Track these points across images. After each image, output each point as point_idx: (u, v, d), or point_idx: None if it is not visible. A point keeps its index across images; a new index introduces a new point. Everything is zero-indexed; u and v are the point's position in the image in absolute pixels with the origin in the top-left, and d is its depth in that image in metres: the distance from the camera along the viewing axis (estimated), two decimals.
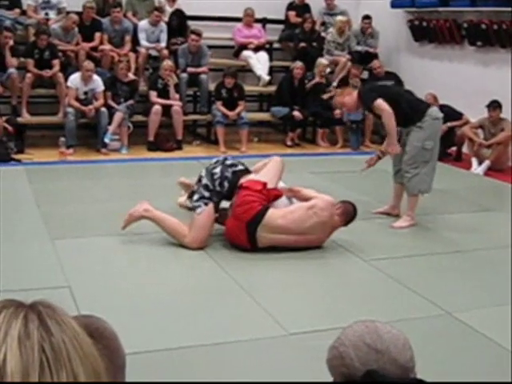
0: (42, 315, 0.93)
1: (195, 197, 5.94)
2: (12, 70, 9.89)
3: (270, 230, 5.75)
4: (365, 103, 6.74)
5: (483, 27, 10.44)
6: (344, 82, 11.17)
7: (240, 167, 6.11)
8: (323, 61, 11.46)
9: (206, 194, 5.91)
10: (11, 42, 9.97)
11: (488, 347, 4.24)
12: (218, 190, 5.92)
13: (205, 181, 5.96)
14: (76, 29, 10.66)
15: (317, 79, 11.22)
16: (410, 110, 6.65)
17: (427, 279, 5.48)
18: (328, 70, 11.52)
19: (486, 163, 9.61)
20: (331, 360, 1.78)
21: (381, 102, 6.52)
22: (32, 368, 0.88)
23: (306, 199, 5.96)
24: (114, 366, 1.56)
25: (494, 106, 9.64)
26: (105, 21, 10.94)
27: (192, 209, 5.95)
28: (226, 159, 6.18)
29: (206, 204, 5.88)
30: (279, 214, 5.82)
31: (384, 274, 5.52)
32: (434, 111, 6.77)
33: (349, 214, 5.99)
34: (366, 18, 11.97)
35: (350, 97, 6.84)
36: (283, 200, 6.03)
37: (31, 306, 0.94)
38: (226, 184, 5.94)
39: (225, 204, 6.10)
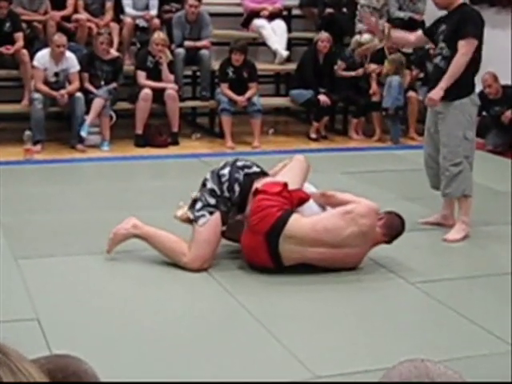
0: None
1: (198, 205, 5.93)
2: None
3: (295, 241, 5.70)
4: (462, 24, 6.53)
5: None
6: (377, 58, 11.11)
7: (254, 169, 6.11)
8: (374, 40, 11.35)
9: (212, 200, 5.90)
10: None
11: None
12: (226, 195, 5.92)
13: (210, 185, 5.95)
14: None
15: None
16: (466, 78, 6.62)
17: (488, 307, 5.47)
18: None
19: None
20: None
21: (474, 44, 6.53)
22: None
23: (343, 205, 5.93)
24: None
25: None
26: None
27: (194, 220, 5.95)
28: (236, 160, 6.18)
29: (210, 213, 5.87)
30: (306, 220, 5.80)
31: (435, 300, 5.50)
32: (475, 96, 6.86)
33: (394, 227, 5.96)
34: None
35: None
36: (313, 207, 6.01)
37: None
38: (236, 188, 5.93)
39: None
